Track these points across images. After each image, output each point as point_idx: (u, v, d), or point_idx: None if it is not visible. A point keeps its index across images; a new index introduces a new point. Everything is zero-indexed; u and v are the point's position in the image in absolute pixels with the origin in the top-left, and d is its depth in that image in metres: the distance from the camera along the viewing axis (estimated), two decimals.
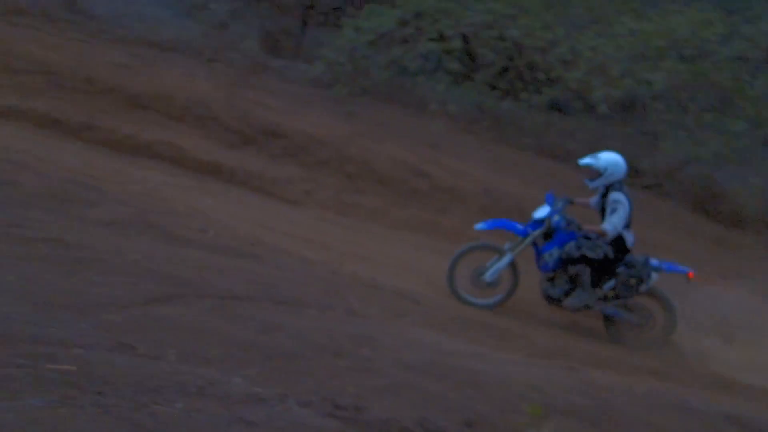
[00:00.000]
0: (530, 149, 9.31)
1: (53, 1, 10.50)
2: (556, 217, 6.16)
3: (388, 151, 8.75)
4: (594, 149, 6.49)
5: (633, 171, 8.99)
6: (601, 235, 5.94)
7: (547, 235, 6.21)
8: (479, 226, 6.56)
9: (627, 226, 6.00)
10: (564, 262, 6.08)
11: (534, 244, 6.27)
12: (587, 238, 6.02)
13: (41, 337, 2.67)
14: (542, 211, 6.26)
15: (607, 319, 6.21)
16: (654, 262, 6.03)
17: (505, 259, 6.23)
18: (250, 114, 8.87)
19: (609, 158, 6.00)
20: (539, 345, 5.48)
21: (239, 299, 4.50)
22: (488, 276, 6.25)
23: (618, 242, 6.00)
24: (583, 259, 5.98)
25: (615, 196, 5.90)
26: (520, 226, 6.36)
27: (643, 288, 5.99)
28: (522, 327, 6.03)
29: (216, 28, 10.74)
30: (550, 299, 6.23)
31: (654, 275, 5.99)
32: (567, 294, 6.11)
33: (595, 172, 6.00)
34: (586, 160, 6.08)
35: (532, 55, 9.35)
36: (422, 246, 7.13)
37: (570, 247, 5.99)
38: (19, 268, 3.86)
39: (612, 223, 5.85)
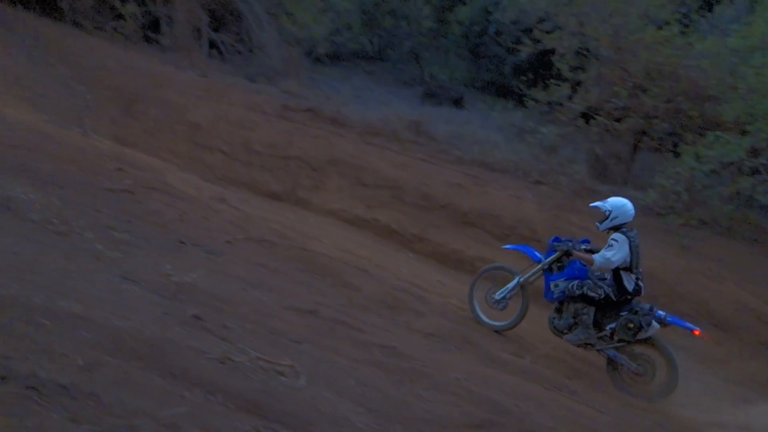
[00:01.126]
0: None
1: (402, 123, 11.79)
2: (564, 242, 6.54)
3: (729, 292, 7.79)
4: None
5: None
6: (589, 263, 6.11)
7: (562, 268, 6.48)
8: (507, 246, 7.49)
9: (628, 269, 6.09)
10: (567, 298, 6.30)
11: (548, 272, 6.54)
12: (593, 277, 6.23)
13: None
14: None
15: (610, 362, 6.28)
16: (660, 312, 6.06)
17: (514, 281, 6.68)
18: (573, 237, 8.68)
19: (615, 202, 6.26)
20: None
21: None
22: (497, 294, 6.73)
23: (619, 286, 6.10)
24: (584, 298, 6.16)
25: (614, 235, 6.06)
26: (537, 253, 6.81)
27: (641, 335, 6.01)
28: None
29: (545, 151, 10.93)
30: (555, 330, 6.47)
31: (655, 325, 5.99)
32: (570, 328, 6.33)
33: (602, 215, 6.25)
34: (595, 204, 6.39)
35: None
36: None
37: (573, 285, 6.23)
38: (358, 372, 4.11)
39: (602, 256, 6.02)
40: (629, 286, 6.10)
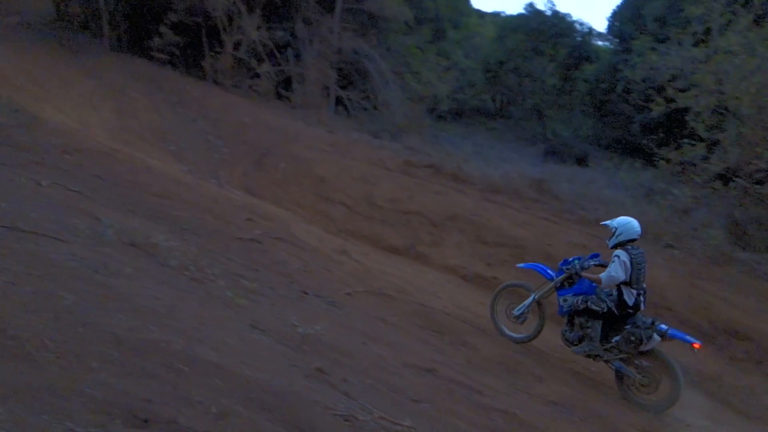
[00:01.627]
0: None
1: (524, 181, 11.65)
2: (572, 263, 6.83)
3: None
4: None
5: None
6: (597, 282, 6.43)
7: (572, 283, 6.84)
8: (520, 264, 7.75)
9: (628, 284, 6.31)
10: (574, 312, 6.69)
11: (560, 288, 6.90)
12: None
13: None
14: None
15: (617, 374, 6.53)
16: (662, 326, 6.24)
17: (530, 298, 7.10)
18: (710, 308, 8.11)
19: (622, 220, 6.58)
20: None
21: None
22: (516, 310, 7.18)
23: (620, 300, 6.37)
24: (588, 312, 6.54)
25: (617, 252, 6.36)
26: (550, 271, 7.11)
27: (643, 347, 6.23)
28: None
29: (677, 214, 10.39)
30: (566, 342, 6.82)
31: (656, 337, 6.18)
32: (580, 340, 6.68)
33: (609, 232, 6.59)
34: (604, 222, 6.75)
35: None
36: None
37: (577, 300, 6.61)
38: None
39: (607, 274, 6.30)
40: (629, 300, 6.35)
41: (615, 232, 6.52)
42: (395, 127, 15.73)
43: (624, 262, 6.24)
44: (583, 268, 6.76)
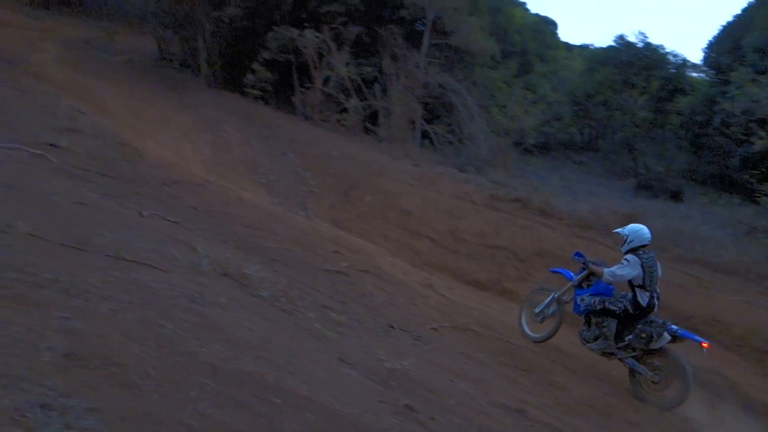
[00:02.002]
0: None
1: (615, 217, 11.31)
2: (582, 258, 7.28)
3: None
4: None
5: None
6: (599, 275, 6.90)
7: (590, 285, 7.16)
8: (551, 269, 8.21)
9: (642, 287, 6.61)
10: (591, 312, 7.01)
11: (578, 288, 7.23)
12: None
13: None
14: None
15: (631, 372, 6.80)
16: (672, 326, 6.49)
17: (549, 297, 7.50)
18: None
19: (632, 228, 6.91)
20: None
21: None
22: (536, 309, 7.58)
23: (635, 300, 6.66)
24: (605, 312, 6.86)
25: (627, 256, 6.70)
26: (571, 273, 7.46)
27: (654, 345, 6.51)
28: None
29: None
30: (582, 340, 7.16)
31: (666, 336, 6.43)
32: (596, 339, 6.98)
33: (621, 239, 6.92)
34: (616, 230, 7.17)
35: None
36: None
37: (595, 300, 6.93)
38: None
39: (611, 270, 6.75)
40: (643, 301, 6.65)
41: (627, 239, 6.87)
42: (481, 161, 15.65)
43: (633, 265, 6.58)
44: (594, 263, 7.18)
